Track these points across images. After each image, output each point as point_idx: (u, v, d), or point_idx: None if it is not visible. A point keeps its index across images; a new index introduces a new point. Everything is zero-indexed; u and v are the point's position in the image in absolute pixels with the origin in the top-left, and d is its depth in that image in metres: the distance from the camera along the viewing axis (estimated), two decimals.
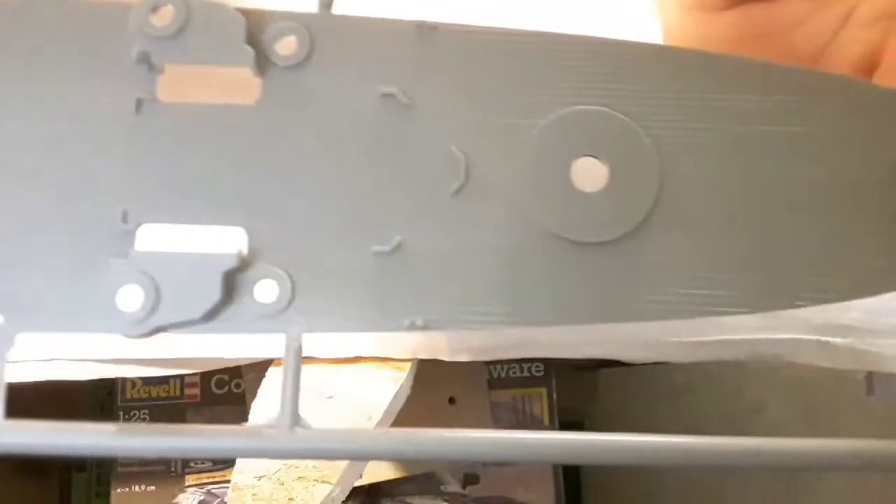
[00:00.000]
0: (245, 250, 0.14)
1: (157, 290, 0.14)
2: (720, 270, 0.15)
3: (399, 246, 0.15)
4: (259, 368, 0.49)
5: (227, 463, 0.59)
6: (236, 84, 0.15)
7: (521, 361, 0.62)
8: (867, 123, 0.15)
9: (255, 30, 0.15)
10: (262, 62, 0.15)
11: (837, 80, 0.16)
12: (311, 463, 0.58)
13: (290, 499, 0.56)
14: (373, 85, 0.15)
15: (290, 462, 0.58)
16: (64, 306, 0.14)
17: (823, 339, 0.44)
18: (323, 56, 0.15)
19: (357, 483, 0.56)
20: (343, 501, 0.54)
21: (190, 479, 0.60)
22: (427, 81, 0.15)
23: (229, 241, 0.15)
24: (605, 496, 0.69)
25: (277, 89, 0.15)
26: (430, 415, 0.55)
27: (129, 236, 0.14)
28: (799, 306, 0.15)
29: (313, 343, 0.46)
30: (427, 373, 0.48)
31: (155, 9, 0.14)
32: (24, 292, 0.14)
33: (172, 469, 0.60)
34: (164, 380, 0.58)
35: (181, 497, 0.59)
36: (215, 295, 0.14)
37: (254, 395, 0.49)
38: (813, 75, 0.16)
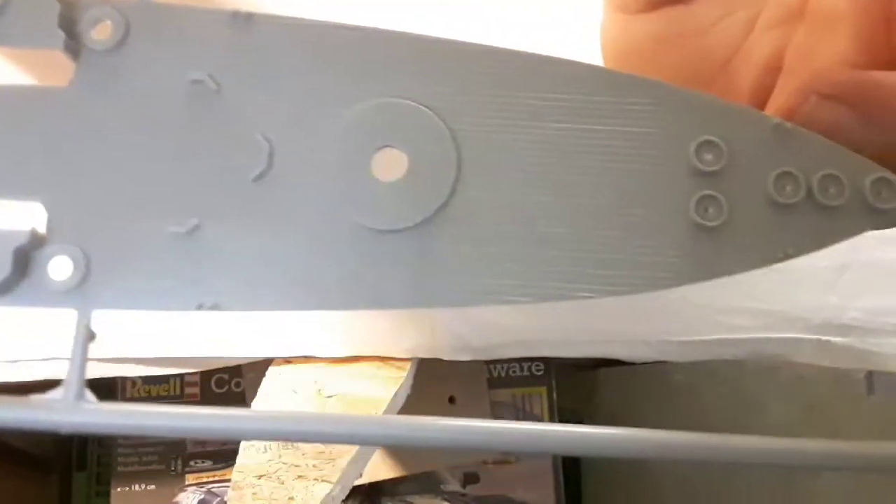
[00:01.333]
0: (42, 227, 0.15)
1: None
2: (510, 260, 0.15)
3: (196, 228, 0.15)
4: (259, 368, 0.49)
5: (227, 462, 0.59)
6: (59, 66, 0.15)
7: (521, 360, 0.62)
8: (667, 124, 0.16)
9: (70, 14, 0.15)
10: (75, 46, 0.15)
11: (642, 81, 0.16)
12: (311, 462, 0.58)
13: (290, 498, 0.56)
14: (184, 71, 0.15)
15: (289, 461, 0.58)
16: None
17: (823, 338, 0.44)
18: (137, 42, 0.15)
19: (357, 482, 0.56)
20: (343, 500, 0.54)
21: (190, 478, 0.60)
22: (238, 69, 0.16)
23: (30, 217, 0.15)
24: (606, 496, 0.69)
25: (90, 72, 0.15)
26: (430, 414, 0.55)
27: None
28: (587, 297, 0.15)
29: (312, 341, 0.46)
30: (427, 372, 0.48)
31: None
32: None
33: (172, 468, 0.60)
34: (163, 379, 0.59)
35: (181, 496, 0.59)
36: (6, 269, 0.14)
37: (254, 393, 0.49)
38: (620, 77, 0.16)
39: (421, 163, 0.15)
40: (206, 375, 0.59)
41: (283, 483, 0.58)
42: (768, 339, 0.44)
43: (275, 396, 0.49)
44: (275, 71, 0.16)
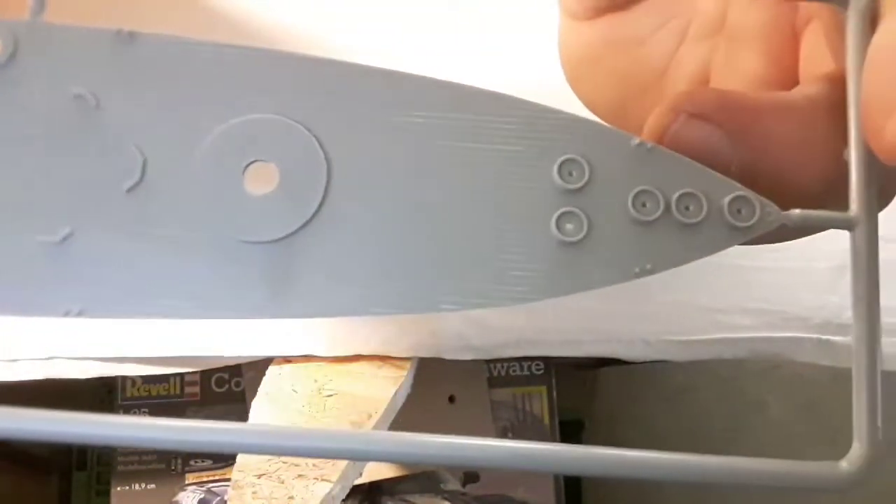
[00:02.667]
0: None
1: None
2: (376, 272, 0.16)
3: (67, 237, 0.16)
4: (259, 367, 0.49)
5: (227, 461, 0.59)
6: None
7: (521, 360, 0.62)
8: (534, 142, 0.16)
9: None
10: None
11: (511, 101, 0.17)
12: (310, 461, 0.58)
13: (290, 497, 0.56)
14: (66, 86, 0.16)
15: (289, 460, 0.58)
16: None
17: (823, 337, 0.44)
18: (25, 57, 0.16)
19: (357, 481, 0.56)
20: (343, 499, 0.54)
21: (190, 478, 0.60)
22: (118, 86, 0.16)
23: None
24: (606, 496, 0.69)
25: None
26: (430, 413, 0.55)
27: None
28: (443, 309, 0.16)
29: (313, 340, 0.46)
30: (427, 371, 0.48)
31: None
32: None
33: (173, 467, 0.60)
34: (164, 378, 0.58)
35: (181, 495, 0.59)
36: None
37: (254, 393, 0.49)
38: (489, 95, 0.17)
39: (291, 177, 0.16)
40: (206, 375, 0.59)
41: (282, 482, 0.58)
42: (769, 339, 0.44)
43: (275, 396, 0.49)
44: (153, 87, 0.16)
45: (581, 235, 0.16)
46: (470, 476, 0.63)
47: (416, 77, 0.17)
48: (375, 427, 0.56)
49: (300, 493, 0.56)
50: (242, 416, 0.57)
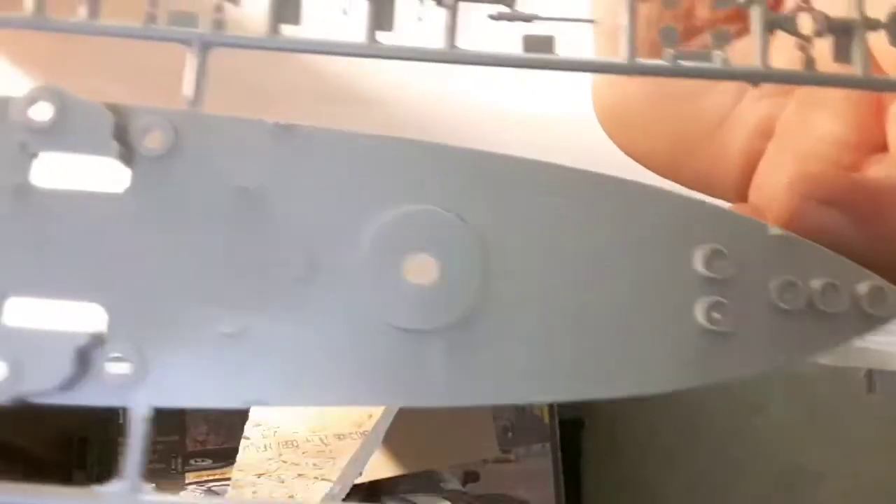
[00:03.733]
0: (101, 327, 0.16)
1: (17, 362, 0.15)
2: (529, 361, 0.17)
3: (245, 330, 0.16)
4: None
5: (227, 461, 0.59)
6: (111, 171, 0.17)
7: None
8: (674, 231, 0.17)
9: (123, 123, 0.16)
10: (129, 154, 0.16)
11: (651, 190, 0.17)
12: (311, 461, 0.58)
13: (290, 496, 0.56)
14: (230, 178, 0.17)
15: (289, 460, 0.58)
16: None
17: None
18: (186, 149, 0.16)
19: (357, 480, 0.56)
20: (343, 499, 0.54)
21: (190, 477, 0.61)
22: (279, 178, 0.17)
23: (89, 317, 0.16)
24: (606, 495, 0.69)
25: (143, 179, 0.16)
26: (430, 412, 0.55)
27: None
28: (596, 398, 0.17)
29: None
30: None
31: (33, 103, 0.16)
32: None
33: (173, 467, 0.60)
34: None
35: (181, 494, 0.59)
36: (68, 369, 0.15)
37: None
38: (635, 186, 0.17)
39: (449, 267, 0.17)
40: None
41: (283, 481, 0.58)
42: None
43: None
44: (314, 179, 0.17)
45: (729, 326, 0.16)
46: (470, 475, 0.63)
47: (561, 167, 0.17)
48: (376, 425, 0.56)
49: (300, 493, 0.56)
50: (244, 413, 0.57)
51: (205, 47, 0.17)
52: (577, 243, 0.17)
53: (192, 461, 0.60)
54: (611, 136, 0.23)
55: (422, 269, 0.17)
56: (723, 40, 0.17)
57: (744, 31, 0.18)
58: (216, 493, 0.59)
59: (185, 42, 0.17)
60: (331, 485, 0.55)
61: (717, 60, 0.17)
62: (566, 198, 0.17)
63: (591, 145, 0.23)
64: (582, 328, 0.17)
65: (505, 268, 0.17)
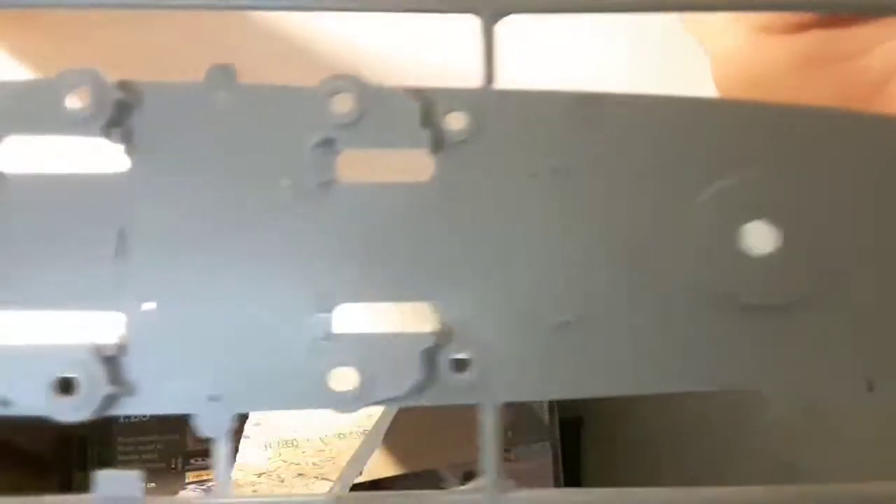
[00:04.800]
0: (438, 326, 0.15)
1: (365, 371, 0.15)
2: (872, 346, 0.15)
3: (578, 319, 0.15)
4: None
5: None
6: (407, 160, 0.15)
7: None
8: None
9: (427, 109, 0.15)
10: (436, 141, 0.15)
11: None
12: (311, 460, 0.58)
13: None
14: (538, 158, 0.15)
15: (289, 459, 0.58)
16: (274, 385, 0.15)
17: None
18: (490, 131, 0.15)
19: (357, 480, 0.56)
20: None
21: (190, 476, 0.61)
22: (590, 154, 0.15)
23: (420, 318, 0.16)
24: None
25: (450, 165, 0.15)
26: (430, 412, 0.55)
27: (327, 318, 0.15)
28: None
29: None
30: None
31: (333, 95, 0.15)
32: (237, 373, 0.15)
33: (173, 466, 0.60)
34: None
35: (182, 494, 0.59)
36: (417, 373, 0.15)
37: None
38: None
39: (795, 238, 0.15)
40: None
41: (283, 481, 0.58)
42: None
43: None
44: (628, 152, 0.15)
45: None
46: (470, 475, 0.63)
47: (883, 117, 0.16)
48: (376, 424, 0.56)
49: (300, 492, 0.56)
50: (242, 418, 0.57)
51: (495, 16, 0.15)
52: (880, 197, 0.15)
53: (192, 460, 0.60)
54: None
55: (760, 239, 0.15)
56: None
57: None
58: None
59: (474, 11, 0.15)
60: (331, 483, 0.55)
61: None
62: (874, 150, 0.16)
63: None
64: None
65: (864, 247, 0.15)
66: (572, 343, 0.15)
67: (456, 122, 0.15)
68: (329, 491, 0.54)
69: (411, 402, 0.15)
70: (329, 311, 0.15)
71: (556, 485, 0.64)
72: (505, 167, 0.15)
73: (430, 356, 0.15)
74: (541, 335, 0.15)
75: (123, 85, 0.15)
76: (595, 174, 0.15)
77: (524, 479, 0.64)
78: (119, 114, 0.15)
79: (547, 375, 0.15)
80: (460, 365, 0.15)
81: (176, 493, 0.60)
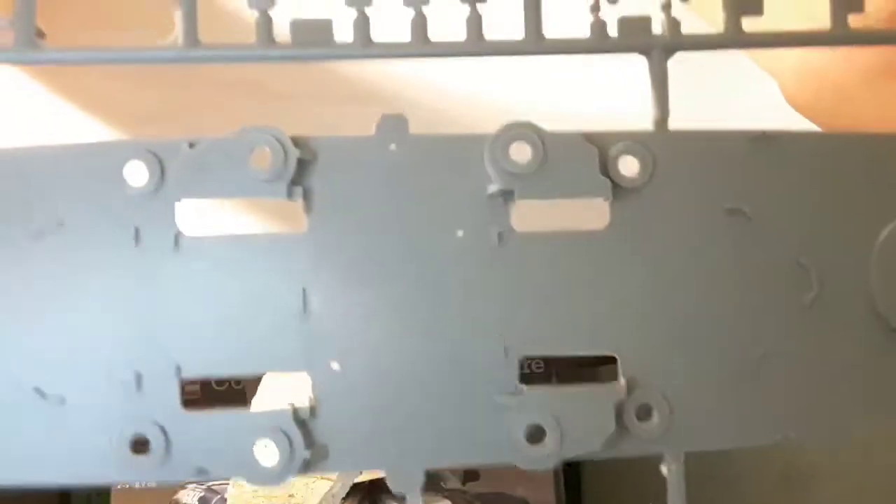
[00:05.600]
0: (621, 377, 0.15)
1: (559, 426, 0.15)
2: None
3: (763, 358, 0.15)
4: None
5: None
6: (581, 208, 0.15)
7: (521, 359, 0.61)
8: None
9: (603, 155, 0.15)
10: (614, 188, 0.15)
11: None
12: None
13: (290, 495, 0.56)
14: (714, 200, 0.15)
15: None
16: (463, 439, 0.15)
17: None
18: (663, 174, 0.15)
19: (357, 479, 0.56)
20: (343, 498, 0.54)
21: None
22: (765, 193, 0.15)
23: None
24: (606, 495, 0.69)
25: (625, 212, 0.15)
26: None
27: (512, 371, 0.15)
28: None
29: None
30: None
31: (511, 144, 0.15)
32: (424, 428, 0.15)
33: None
34: None
35: (182, 494, 0.59)
36: (610, 427, 0.15)
37: (254, 392, 0.49)
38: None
39: None
40: None
41: None
42: None
43: (276, 393, 0.49)
44: (803, 190, 0.15)
45: None
46: (470, 474, 0.63)
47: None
48: None
49: (300, 491, 0.56)
50: None
51: (665, 53, 0.15)
52: None
53: None
54: (821, 121, 0.21)
55: None
56: None
57: None
58: (216, 493, 0.59)
59: (644, 51, 0.15)
60: (331, 483, 0.55)
61: None
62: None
63: None
64: None
65: None
66: (758, 387, 0.15)
67: (629, 168, 0.15)
68: (329, 490, 0.54)
69: (604, 456, 0.15)
70: (514, 363, 0.15)
71: (557, 486, 0.64)
72: (680, 210, 0.15)
73: (620, 408, 0.15)
74: (726, 380, 0.15)
75: (298, 142, 0.14)
76: (767, 213, 0.15)
77: (524, 480, 0.64)
78: (299, 172, 0.14)
79: (733, 421, 0.15)
80: (645, 414, 0.15)
81: (176, 492, 0.60)
